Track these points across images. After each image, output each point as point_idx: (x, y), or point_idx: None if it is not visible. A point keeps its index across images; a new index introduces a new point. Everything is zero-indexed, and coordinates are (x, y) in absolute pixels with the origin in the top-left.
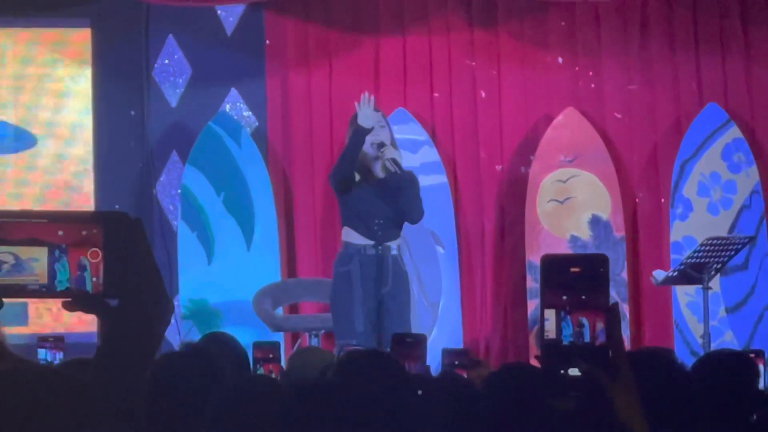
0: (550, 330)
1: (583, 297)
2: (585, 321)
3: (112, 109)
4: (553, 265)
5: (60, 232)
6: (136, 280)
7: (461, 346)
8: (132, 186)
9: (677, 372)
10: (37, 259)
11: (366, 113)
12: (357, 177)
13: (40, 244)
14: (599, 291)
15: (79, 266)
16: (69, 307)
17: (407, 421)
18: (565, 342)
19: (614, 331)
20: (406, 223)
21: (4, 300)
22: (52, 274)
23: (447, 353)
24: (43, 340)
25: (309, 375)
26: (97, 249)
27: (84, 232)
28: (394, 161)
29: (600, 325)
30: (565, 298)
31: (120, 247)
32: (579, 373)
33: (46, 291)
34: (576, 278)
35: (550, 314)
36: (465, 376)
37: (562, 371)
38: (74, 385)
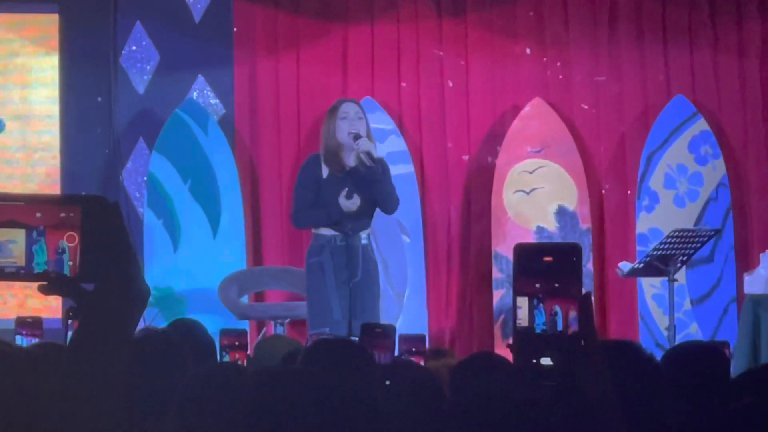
0: (523, 318)
1: (557, 285)
2: (558, 309)
3: (79, 95)
4: (526, 254)
5: (38, 214)
6: (113, 264)
7: (427, 336)
8: (98, 173)
9: (648, 363)
10: (15, 241)
11: (348, 204)
12: (326, 171)
13: (18, 226)
14: (572, 279)
15: (57, 249)
16: (45, 290)
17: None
18: (538, 330)
19: (587, 321)
20: (375, 212)
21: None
22: (29, 256)
23: (404, 339)
24: (22, 324)
25: (276, 362)
26: (74, 233)
27: (62, 215)
28: (368, 154)
29: (573, 314)
30: (537, 285)
31: (97, 230)
32: (551, 363)
33: (23, 273)
34: (549, 267)
35: (523, 302)
36: (421, 363)
37: (534, 360)
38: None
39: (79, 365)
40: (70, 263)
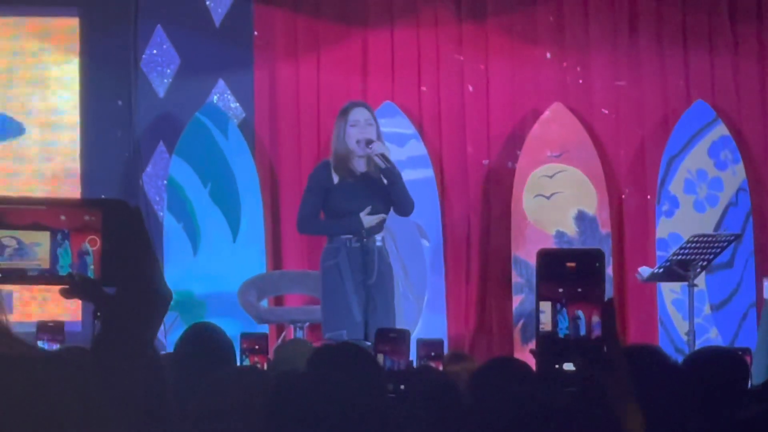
0: (546, 322)
1: (579, 290)
2: (581, 314)
3: (100, 98)
4: (549, 259)
5: (62, 217)
6: (134, 268)
7: (446, 341)
8: (119, 176)
9: (669, 368)
10: (39, 244)
11: (370, 221)
12: (336, 177)
13: (43, 229)
14: (595, 285)
15: (80, 252)
16: (67, 294)
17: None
18: (561, 335)
19: (610, 327)
20: (392, 215)
21: (7, 287)
22: (54, 259)
23: (422, 344)
24: (43, 328)
25: (296, 367)
26: (96, 236)
27: (86, 218)
28: (383, 156)
29: (596, 318)
30: (561, 290)
31: (118, 234)
32: (574, 368)
33: (48, 276)
34: (572, 272)
35: (546, 307)
36: (440, 368)
37: (557, 366)
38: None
39: (102, 368)
40: (93, 267)
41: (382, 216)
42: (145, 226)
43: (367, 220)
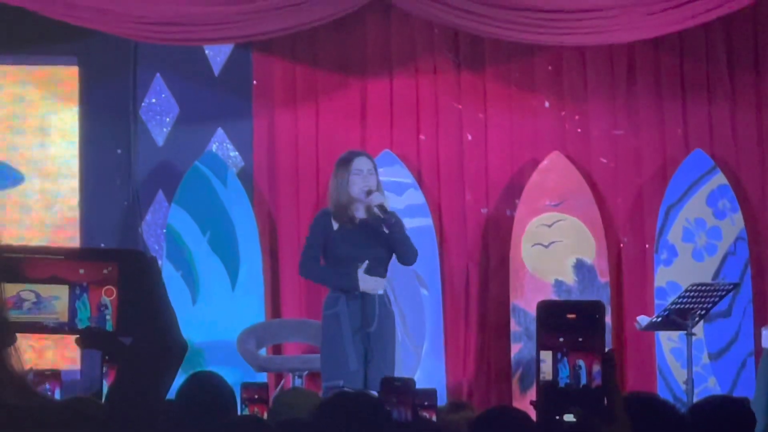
0: (546, 372)
1: (580, 339)
2: (582, 363)
3: (99, 147)
4: (549, 310)
5: (81, 271)
6: (150, 318)
7: (444, 390)
8: (118, 225)
9: (673, 418)
10: (57, 297)
11: (366, 282)
12: (335, 224)
13: (62, 282)
14: (595, 335)
15: (99, 305)
16: (82, 344)
17: None
18: (562, 384)
19: (611, 378)
20: (391, 264)
21: (26, 335)
22: (72, 312)
23: (416, 393)
24: (40, 376)
25: (296, 415)
26: (112, 286)
27: (105, 271)
28: (381, 206)
29: (596, 368)
30: (561, 339)
31: (135, 285)
32: (574, 419)
33: (67, 330)
34: (572, 323)
35: (547, 356)
36: (433, 418)
37: (557, 417)
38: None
39: (116, 420)
40: (111, 319)
41: (380, 280)
42: (161, 277)
43: (364, 281)
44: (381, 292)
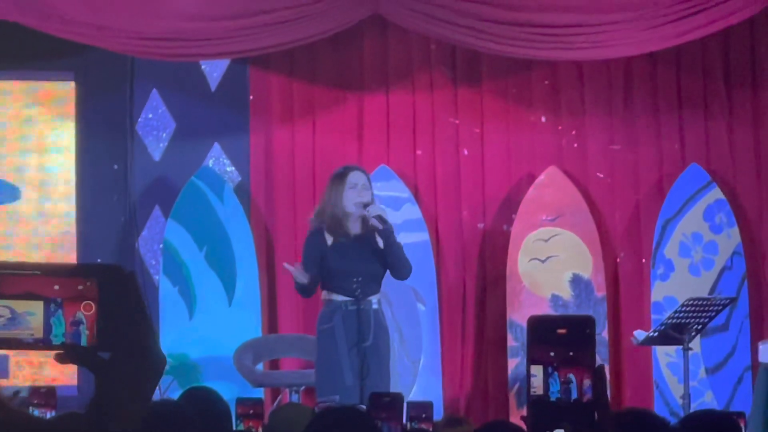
0: (537, 386)
1: (571, 353)
2: (572, 377)
3: (96, 162)
4: (539, 325)
5: (56, 287)
6: (129, 333)
7: (441, 404)
8: (114, 240)
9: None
10: (33, 313)
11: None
12: (330, 239)
13: (36, 298)
14: (586, 350)
15: (74, 321)
16: (61, 359)
17: None
18: (553, 398)
19: (601, 393)
20: (386, 279)
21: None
22: (47, 328)
23: (412, 406)
24: (35, 394)
25: (291, 431)
26: (90, 302)
27: (80, 287)
28: (380, 217)
29: (587, 382)
30: (552, 354)
31: (113, 300)
32: None
33: (42, 345)
34: (563, 337)
35: (537, 370)
36: (430, 430)
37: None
38: None
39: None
40: (87, 333)
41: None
42: (140, 291)
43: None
44: (376, 306)
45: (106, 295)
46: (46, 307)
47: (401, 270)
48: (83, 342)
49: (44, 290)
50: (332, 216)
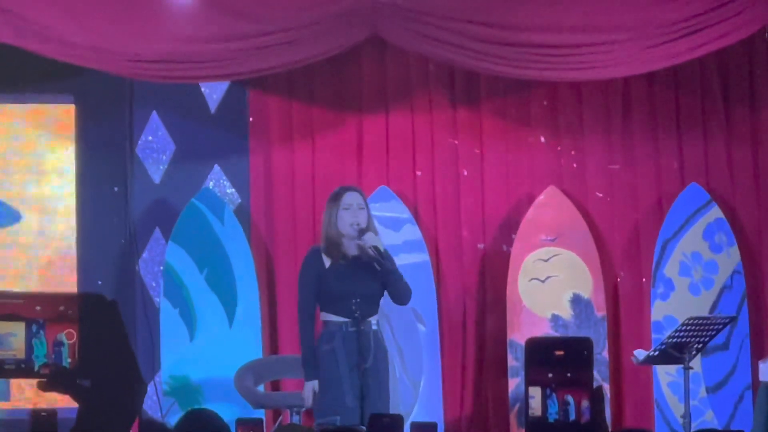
0: (536, 408)
1: (569, 374)
2: (570, 399)
3: (96, 185)
4: (537, 347)
5: (37, 308)
6: (110, 362)
7: (442, 425)
8: (115, 262)
9: None
10: (14, 334)
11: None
12: (327, 261)
13: (18, 320)
14: (584, 371)
15: (55, 342)
16: (44, 387)
17: None
18: (551, 420)
19: (598, 414)
20: (386, 300)
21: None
22: (29, 349)
23: (415, 427)
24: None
25: None
26: (72, 329)
27: (61, 308)
28: (376, 248)
29: (585, 403)
30: (550, 375)
31: (95, 328)
32: None
33: (24, 368)
34: (561, 359)
35: (535, 392)
36: None
37: None
38: None
39: None
40: (69, 360)
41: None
42: (121, 319)
43: (307, 395)
44: (375, 327)
45: (87, 323)
46: (27, 328)
47: (401, 297)
48: (65, 363)
49: (26, 311)
50: (328, 238)
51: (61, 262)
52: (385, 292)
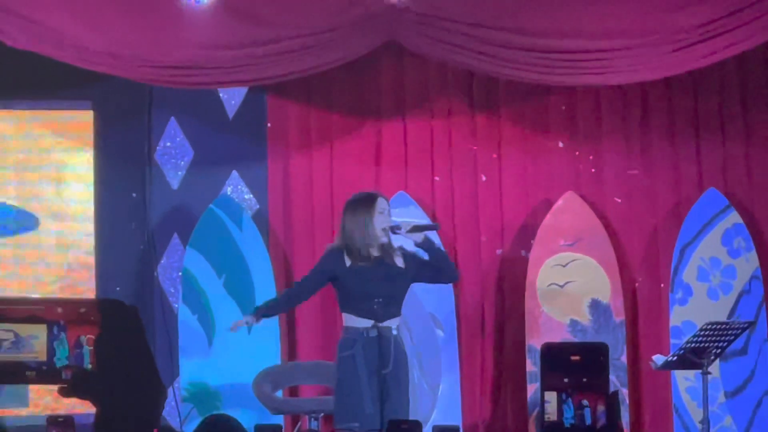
0: (551, 413)
1: (585, 379)
2: (586, 403)
3: (114, 191)
4: (553, 353)
5: (59, 309)
6: (131, 367)
7: (461, 430)
8: (133, 268)
9: None
10: (36, 337)
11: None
12: (348, 261)
13: (40, 322)
14: (600, 376)
15: (77, 343)
16: (65, 393)
17: None
18: (567, 425)
19: (615, 418)
20: (406, 305)
21: (6, 385)
22: (51, 351)
23: (438, 431)
24: (53, 423)
25: None
26: (92, 336)
27: (82, 310)
28: (416, 227)
29: (601, 408)
30: (566, 380)
31: (115, 334)
32: None
33: (45, 370)
34: (577, 364)
35: (551, 397)
36: None
37: None
38: None
39: None
40: (90, 365)
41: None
42: (142, 325)
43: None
44: (395, 332)
45: (107, 329)
46: (49, 330)
47: (448, 272)
48: (86, 364)
49: (47, 314)
50: (358, 240)
51: (80, 268)
52: (407, 294)
